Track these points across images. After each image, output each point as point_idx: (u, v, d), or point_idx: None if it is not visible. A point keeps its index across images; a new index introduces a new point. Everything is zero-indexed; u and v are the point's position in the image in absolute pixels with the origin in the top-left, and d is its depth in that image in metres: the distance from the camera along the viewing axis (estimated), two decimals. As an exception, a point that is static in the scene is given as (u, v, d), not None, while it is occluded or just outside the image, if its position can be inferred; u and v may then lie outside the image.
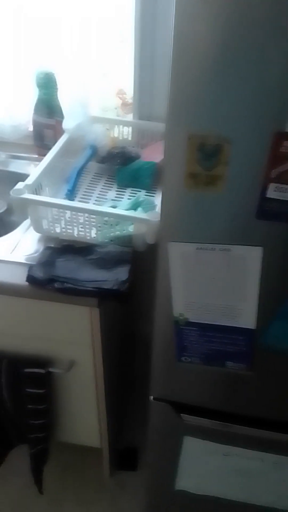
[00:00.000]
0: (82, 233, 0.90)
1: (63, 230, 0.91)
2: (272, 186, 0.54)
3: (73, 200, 1.00)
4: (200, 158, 0.54)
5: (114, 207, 0.95)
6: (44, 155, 0.98)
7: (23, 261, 0.88)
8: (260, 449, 0.85)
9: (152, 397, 0.85)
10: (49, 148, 1.01)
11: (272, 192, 0.54)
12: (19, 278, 0.84)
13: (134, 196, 1.01)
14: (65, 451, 1.37)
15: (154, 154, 1.08)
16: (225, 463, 0.88)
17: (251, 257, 0.61)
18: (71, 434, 1.20)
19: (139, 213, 0.89)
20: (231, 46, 0.47)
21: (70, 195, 1.00)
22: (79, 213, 0.88)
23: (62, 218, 0.90)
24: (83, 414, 1.12)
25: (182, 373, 0.79)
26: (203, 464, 0.91)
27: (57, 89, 1.12)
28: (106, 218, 0.87)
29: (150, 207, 0.93)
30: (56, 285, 0.81)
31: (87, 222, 0.88)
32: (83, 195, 1.04)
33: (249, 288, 0.64)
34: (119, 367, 1.28)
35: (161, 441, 0.91)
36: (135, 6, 1.01)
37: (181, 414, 0.84)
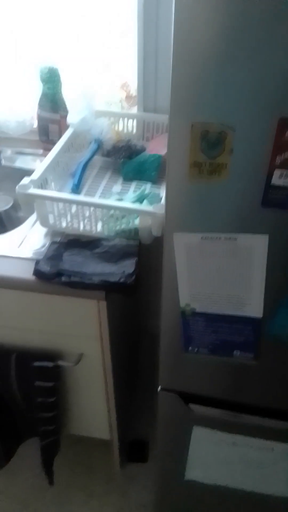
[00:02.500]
0: (88, 227, 0.91)
1: (69, 224, 0.92)
2: (277, 172, 0.54)
3: (79, 194, 1.00)
4: (203, 146, 0.54)
5: (120, 200, 0.95)
6: (49, 150, 0.99)
7: (30, 255, 0.88)
8: (269, 438, 0.85)
9: (160, 387, 0.85)
10: (54, 143, 1.01)
11: (277, 179, 0.54)
12: (26, 272, 0.84)
13: (140, 189, 1.01)
14: (75, 443, 1.39)
15: (159, 147, 1.08)
16: (234, 453, 0.89)
17: (257, 246, 0.61)
18: (80, 426, 1.21)
19: (144, 206, 0.89)
20: (232, 34, 0.47)
21: (76, 190, 1.00)
22: (85, 207, 0.88)
23: (68, 212, 0.91)
24: (92, 406, 1.13)
25: (189, 363, 0.79)
26: (212, 454, 0.91)
27: (61, 83, 1.12)
28: (112, 212, 0.88)
29: (156, 199, 0.93)
30: (63, 279, 0.82)
31: (93, 216, 0.89)
32: (89, 189, 1.04)
33: (255, 277, 0.64)
34: (127, 359, 1.29)
35: (170, 432, 0.92)
36: (138, -1, 1.00)
37: (190, 404, 0.84)
